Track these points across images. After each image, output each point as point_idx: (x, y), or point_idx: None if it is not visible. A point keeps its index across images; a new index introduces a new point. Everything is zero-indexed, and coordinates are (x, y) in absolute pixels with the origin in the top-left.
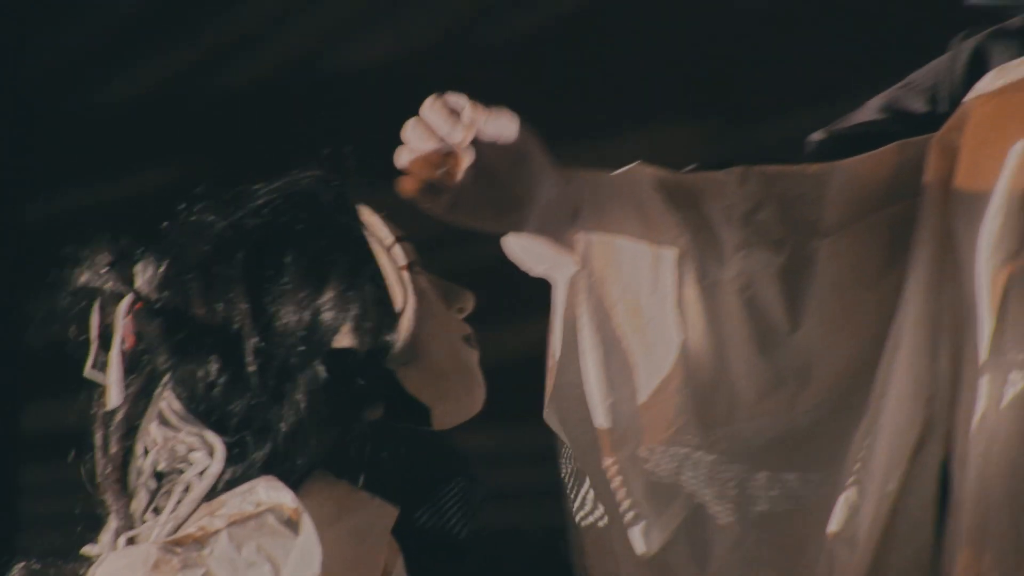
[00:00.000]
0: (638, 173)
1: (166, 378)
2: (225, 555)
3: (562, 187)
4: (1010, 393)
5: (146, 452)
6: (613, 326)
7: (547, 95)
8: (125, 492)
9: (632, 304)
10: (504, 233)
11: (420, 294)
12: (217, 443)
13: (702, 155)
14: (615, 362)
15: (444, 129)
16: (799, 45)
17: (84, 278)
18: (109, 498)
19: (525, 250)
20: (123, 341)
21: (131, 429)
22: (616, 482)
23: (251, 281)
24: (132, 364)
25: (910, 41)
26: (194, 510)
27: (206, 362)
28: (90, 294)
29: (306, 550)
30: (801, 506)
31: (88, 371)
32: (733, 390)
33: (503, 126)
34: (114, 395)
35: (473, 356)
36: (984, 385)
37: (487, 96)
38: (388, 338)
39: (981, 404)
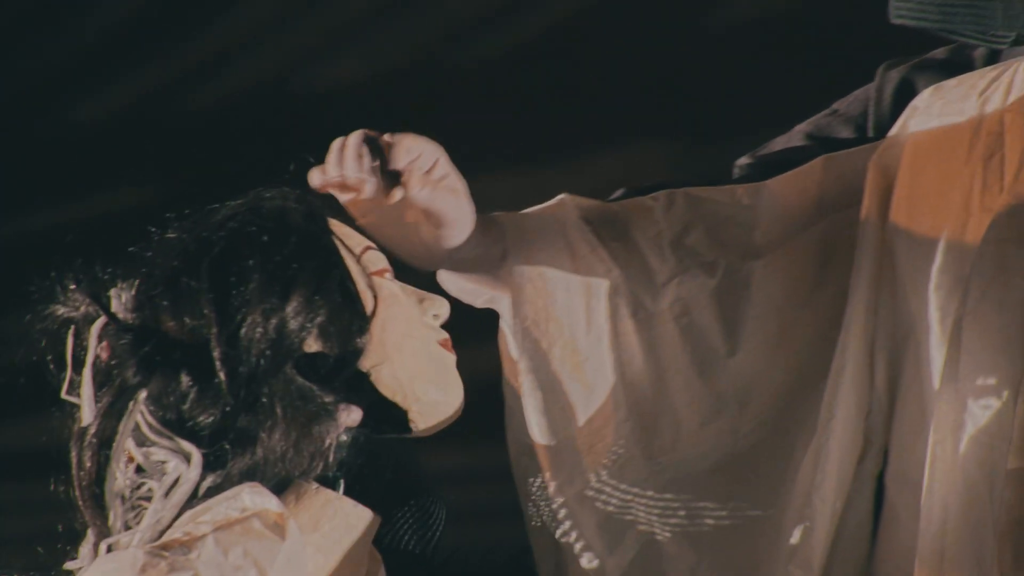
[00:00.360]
0: (563, 209)
1: (140, 393)
2: (212, 559)
3: (485, 247)
4: (969, 423)
5: (123, 467)
6: (551, 369)
7: (516, 116)
8: (102, 507)
9: (569, 343)
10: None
11: (391, 298)
12: (193, 450)
13: (671, 174)
14: (555, 406)
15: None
16: (768, 65)
17: (58, 303)
18: (87, 513)
19: (460, 290)
20: (96, 359)
21: (104, 444)
22: (567, 522)
23: (216, 291)
24: (103, 380)
25: (876, 62)
26: (176, 516)
27: (177, 374)
28: (64, 319)
29: (292, 555)
30: (750, 529)
31: (64, 394)
32: (676, 418)
33: (439, 203)
34: (86, 412)
35: (449, 359)
36: (940, 412)
37: (457, 117)
38: (358, 342)
39: (939, 432)
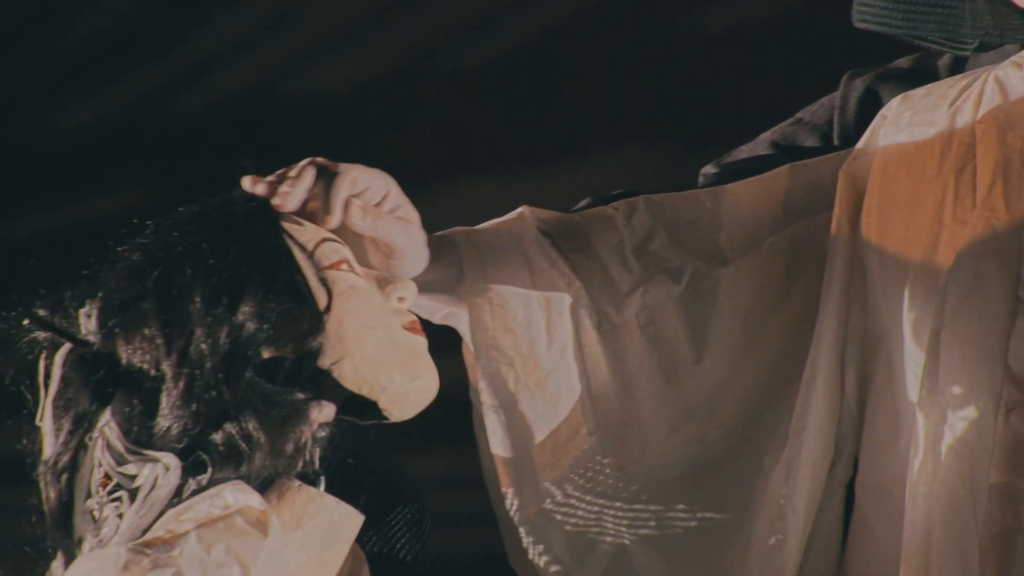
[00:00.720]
0: (521, 223)
1: (102, 416)
2: (195, 556)
3: (440, 272)
4: (949, 435)
5: (89, 493)
6: (510, 388)
7: (505, 122)
8: (70, 533)
9: (530, 359)
10: None
11: (348, 291)
12: (168, 458)
13: (658, 180)
14: (515, 425)
15: (323, 200)
16: (755, 71)
17: (29, 329)
18: (56, 540)
19: (416, 305)
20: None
21: (63, 471)
22: (530, 538)
23: (164, 307)
24: (64, 407)
25: (858, 66)
26: (157, 517)
27: (133, 397)
28: (33, 343)
29: (275, 551)
30: (721, 538)
31: (39, 421)
32: (644, 428)
33: (386, 232)
34: (48, 444)
35: (417, 343)
36: (920, 425)
37: (445, 123)
38: (313, 341)
39: (920, 445)
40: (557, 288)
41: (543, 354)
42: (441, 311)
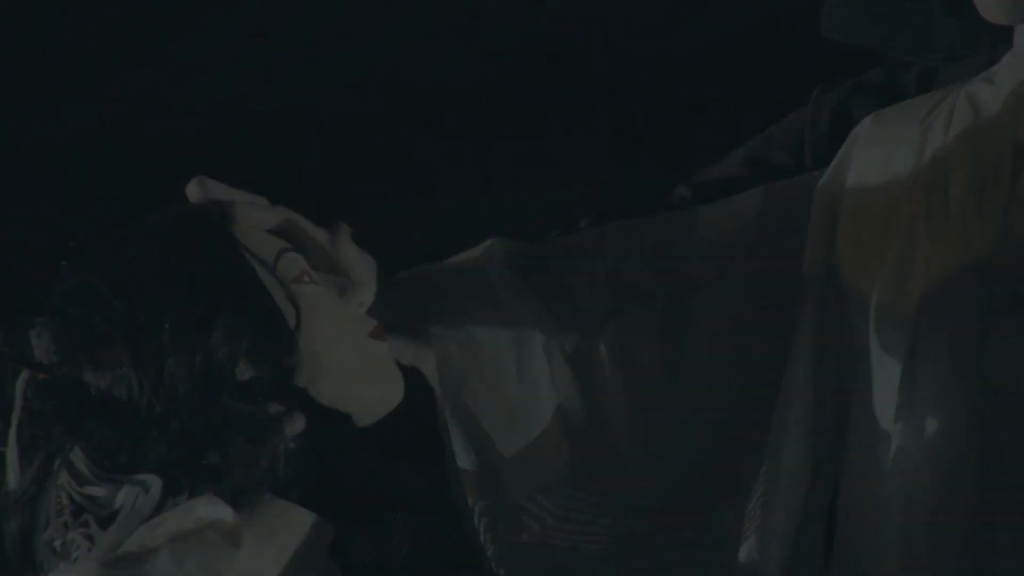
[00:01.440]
0: (487, 257)
1: (68, 447)
2: (167, 570)
3: (399, 317)
4: (928, 452)
5: (48, 520)
6: (482, 428)
7: (481, 138)
8: (32, 564)
9: (500, 398)
10: None
11: (314, 305)
12: (149, 479)
13: (632, 196)
14: (487, 464)
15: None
16: (726, 87)
17: None
18: (16, 570)
19: None
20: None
21: (28, 504)
22: (503, 570)
23: (132, 339)
24: (29, 441)
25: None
26: (131, 532)
27: (106, 428)
28: None
29: (248, 564)
30: (699, 561)
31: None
32: (620, 458)
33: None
34: (12, 477)
35: (383, 348)
36: (896, 442)
37: (418, 138)
38: (287, 361)
39: (897, 462)
40: (526, 323)
41: (513, 391)
42: (407, 352)
